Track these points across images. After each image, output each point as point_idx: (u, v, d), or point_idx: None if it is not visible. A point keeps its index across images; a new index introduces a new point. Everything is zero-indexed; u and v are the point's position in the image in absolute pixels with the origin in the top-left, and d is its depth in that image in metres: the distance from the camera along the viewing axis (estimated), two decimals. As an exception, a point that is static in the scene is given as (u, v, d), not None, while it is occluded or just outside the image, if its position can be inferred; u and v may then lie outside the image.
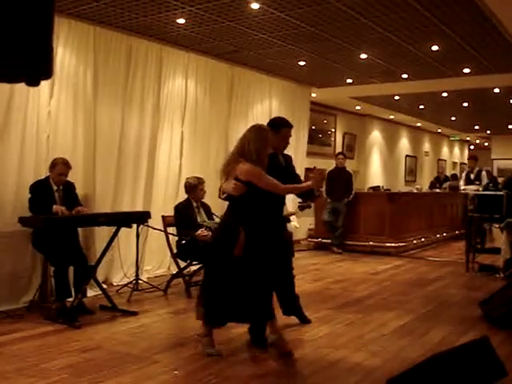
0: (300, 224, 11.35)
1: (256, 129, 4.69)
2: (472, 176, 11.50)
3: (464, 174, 11.87)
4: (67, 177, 6.22)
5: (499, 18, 6.92)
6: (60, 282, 5.86)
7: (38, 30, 2.12)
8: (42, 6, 2.13)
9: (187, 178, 7.38)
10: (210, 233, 6.82)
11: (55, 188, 6.13)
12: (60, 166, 6.10)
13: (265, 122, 10.25)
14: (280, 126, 5.22)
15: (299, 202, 10.22)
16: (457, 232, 13.43)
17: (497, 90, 11.84)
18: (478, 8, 6.54)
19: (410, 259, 10.45)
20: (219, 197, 4.72)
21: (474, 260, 9.19)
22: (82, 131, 7.05)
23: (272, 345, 4.82)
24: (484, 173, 11.62)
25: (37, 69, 2.18)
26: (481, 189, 10.93)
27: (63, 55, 6.82)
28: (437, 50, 8.55)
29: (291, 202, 10.76)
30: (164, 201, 8.19)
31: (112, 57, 7.45)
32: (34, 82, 2.29)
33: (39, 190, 6.01)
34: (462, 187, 11.67)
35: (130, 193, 7.78)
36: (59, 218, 5.77)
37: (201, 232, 6.82)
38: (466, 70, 9.96)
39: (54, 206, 5.89)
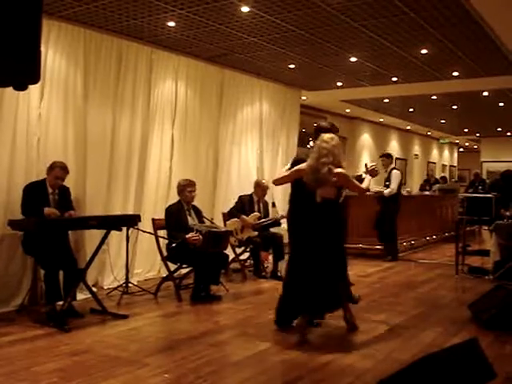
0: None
1: (336, 139, 5.30)
2: (385, 176, 10.55)
3: None
4: (64, 181, 6.22)
5: (488, 21, 6.97)
6: (50, 285, 5.84)
7: (25, 34, 2.12)
8: (29, 10, 2.13)
9: (180, 179, 7.42)
10: (201, 236, 6.82)
11: (50, 191, 6.13)
12: (57, 170, 6.10)
13: (254, 125, 10.40)
14: (320, 132, 5.56)
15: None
16: (446, 234, 13.49)
17: (486, 93, 11.93)
18: (466, 12, 6.58)
19: (400, 261, 10.47)
20: (317, 201, 5.14)
21: (463, 262, 9.23)
22: (72, 134, 7.03)
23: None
24: (395, 172, 10.46)
25: (24, 73, 2.17)
26: (386, 192, 10.27)
27: (53, 58, 6.81)
28: (426, 54, 8.60)
29: (281, 205, 10.80)
30: (155, 203, 8.19)
31: (102, 59, 7.44)
32: (21, 86, 2.28)
33: (34, 191, 6.01)
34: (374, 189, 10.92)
35: (120, 195, 7.77)
36: (49, 221, 5.75)
37: (191, 235, 6.82)
38: (455, 73, 10.02)
39: (46, 209, 5.88)
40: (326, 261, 5.23)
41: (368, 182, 5.53)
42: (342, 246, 5.46)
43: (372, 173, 5.59)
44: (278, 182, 5.69)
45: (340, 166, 5.19)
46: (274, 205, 9.34)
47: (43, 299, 6.13)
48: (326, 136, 5.30)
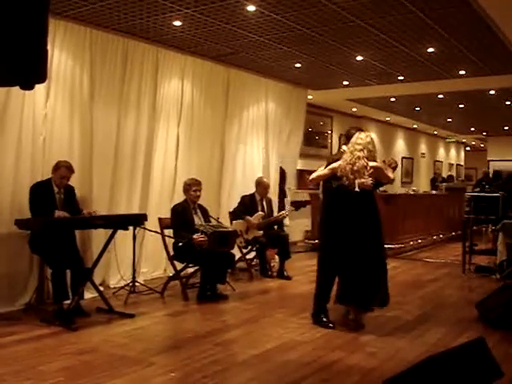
0: (296, 225, 11.36)
1: (370, 136, 5.80)
2: None
3: None
4: (69, 180, 6.24)
5: (494, 19, 6.93)
6: (57, 284, 5.84)
7: (32, 34, 2.12)
8: (36, 9, 2.14)
9: (186, 179, 7.45)
10: (206, 238, 6.82)
11: (56, 190, 6.15)
12: (63, 169, 6.12)
13: (260, 124, 10.38)
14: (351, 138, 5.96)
15: (292, 202, 10.18)
16: (453, 233, 13.46)
17: (492, 92, 11.88)
18: (473, 10, 6.55)
19: (407, 260, 10.47)
20: (354, 190, 5.51)
21: (470, 261, 9.21)
22: (78, 133, 7.05)
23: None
24: None
25: (31, 73, 2.18)
26: None
27: (59, 58, 6.82)
28: (432, 52, 8.56)
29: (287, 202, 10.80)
30: (160, 203, 8.17)
31: (108, 59, 7.45)
32: (28, 85, 2.29)
33: (40, 191, 6.03)
34: None
35: (126, 195, 7.77)
36: (55, 220, 5.77)
37: (197, 236, 6.82)
38: (462, 72, 9.98)
39: (56, 212, 5.90)
40: (366, 251, 5.59)
41: (391, 174, 5.89)
42: (380, 239, 5.75)
43: (391, 164, 6.00)
44: (314, 181, 6.10)
45: (374, 161, 5.69)
46: (297, 208, 9.26)
47: (50, 298, 6.16)
48: (362, 134, 5.79)
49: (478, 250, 9.79)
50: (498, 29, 7.27)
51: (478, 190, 10.18)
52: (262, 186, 8.80)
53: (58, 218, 5.84)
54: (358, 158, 5.56)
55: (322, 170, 5.92)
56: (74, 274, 6.03)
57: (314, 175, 5.99)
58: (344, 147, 6.01)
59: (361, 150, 5.61)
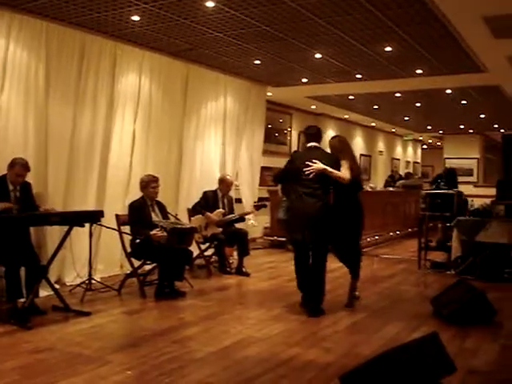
0: (256, 222, 11.35)
1: None
2: None
3: None
4: (25, 178, 6.12)
5: (450, 20, 7.05)
6: (11, 282, 5.74)
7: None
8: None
9: (143, 175, 7.38)
10: (166, 233, 6.79)
11: (11, 188, 6.02)
12: (18, 167, 6.00)
13: (219, 120, 10.33)
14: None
15: (255, 202, 10.27)
16: (409, 230, 13.65)
17: (448, 91, 12.07)
18: (429, 10, 6.64)
19: (364, 257, 10.52)
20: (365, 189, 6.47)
21: (425, 257, 9.37)
22: (33, 128, 6.92)
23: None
24: None
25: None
26: None
27: (14, 51, 6.68)
28: (390, 51, 8.65)
29: (246, 201, 10.82)
30: (115, 199, 8.05)
31: (65, 53, 7.32)
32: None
33: None
34: None
35: (82, 191, 7.66)
36: (9, 217, 5.64)
37: (156, 232, 6.78)
38: (419, 71, 10.11)
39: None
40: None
41: None
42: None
43: None
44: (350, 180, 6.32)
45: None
46: (258, 208, 9.28)
47: (4, 296, 6.03)
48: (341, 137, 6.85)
49: (433, 247, 9.95)
50: (454, 29, 7.39)
51: (434, 187, 10.27)
52: (225, 183, 8.81)
53: (2, 209, 5.71)
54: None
55: (345, 170, 6.29)
56: (28, 272, 5.92)
57: (349, 176, 6.28)
58: (314, 144, 6.39)
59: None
